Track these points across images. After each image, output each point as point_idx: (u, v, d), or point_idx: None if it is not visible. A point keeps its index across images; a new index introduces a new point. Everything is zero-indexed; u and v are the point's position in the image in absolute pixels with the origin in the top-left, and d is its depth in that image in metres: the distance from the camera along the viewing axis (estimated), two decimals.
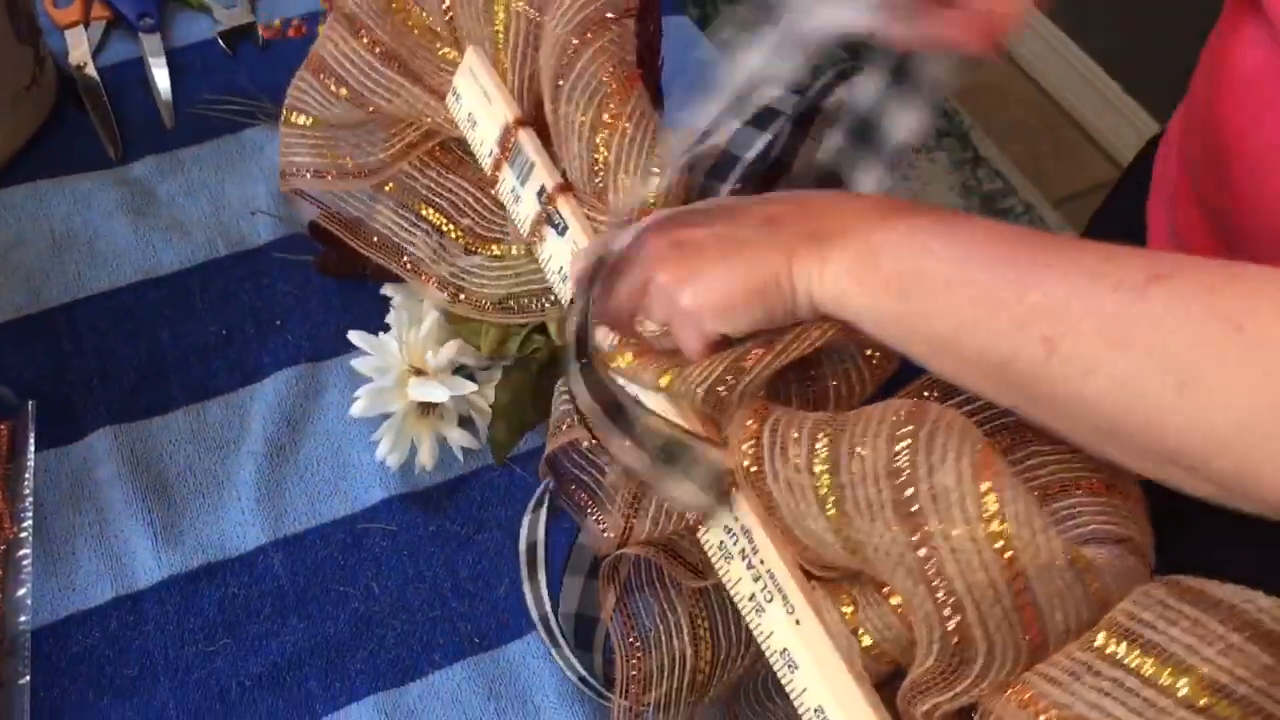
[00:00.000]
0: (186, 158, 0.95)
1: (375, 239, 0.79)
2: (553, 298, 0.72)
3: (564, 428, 0.64)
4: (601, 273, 0.58)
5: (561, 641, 0.72)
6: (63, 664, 0.71)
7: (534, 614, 0.74)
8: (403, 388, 0.75)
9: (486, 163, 0.72)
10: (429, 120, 0.76)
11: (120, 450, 0.79)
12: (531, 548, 0.75)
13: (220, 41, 1.02)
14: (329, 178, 0.78)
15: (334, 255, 0.85)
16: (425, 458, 0.77)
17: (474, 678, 0.72)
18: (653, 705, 0.65)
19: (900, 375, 0.61)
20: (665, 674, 0.65)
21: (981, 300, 0.47)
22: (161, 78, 0.99)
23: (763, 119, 0.75)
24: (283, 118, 0.79)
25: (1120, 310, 0.44)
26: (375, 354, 0.76)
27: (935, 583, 0.46)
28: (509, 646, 0.74)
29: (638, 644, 0.65)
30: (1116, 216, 0.88)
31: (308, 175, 0.79)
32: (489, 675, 0.73)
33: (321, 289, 0.88)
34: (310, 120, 0.79)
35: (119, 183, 0.92)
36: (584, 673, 0.71)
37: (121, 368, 0.83)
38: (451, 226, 0.75)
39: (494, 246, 0.75)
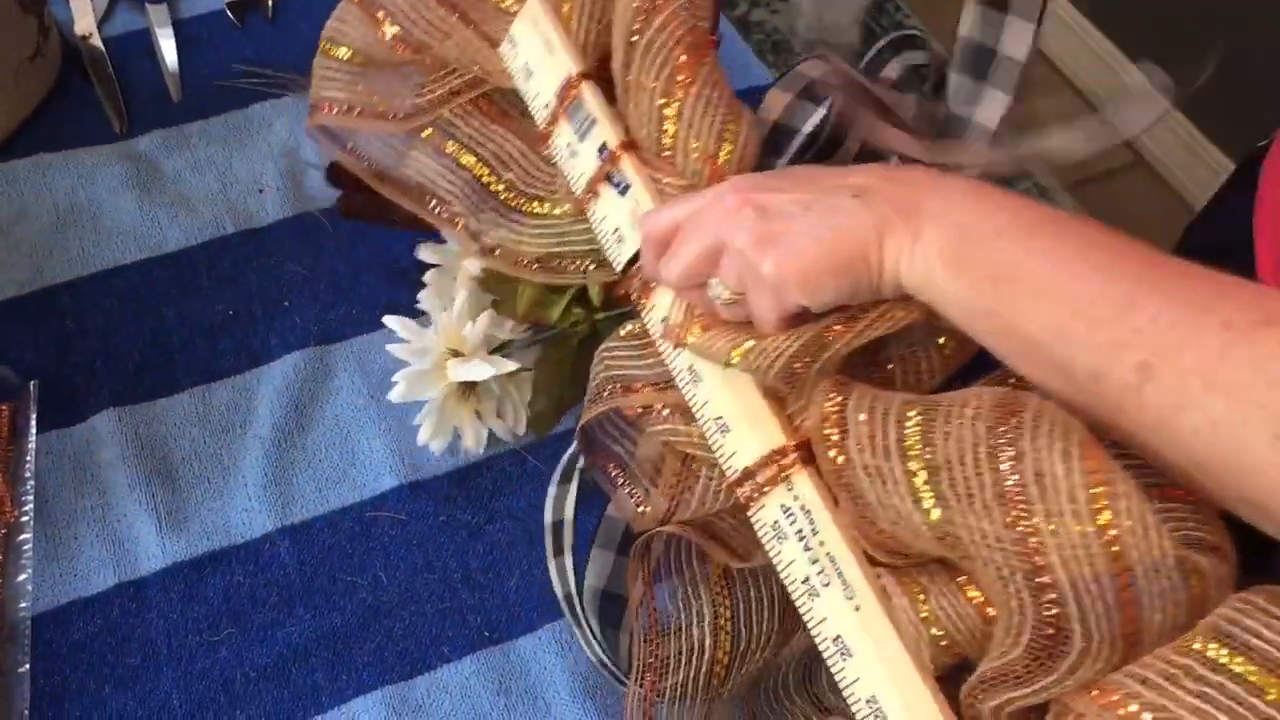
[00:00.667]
0: (193, 132, 0.93)
1: (405, 184, 0.76)
2: (594, 263, 0.70)
3: (603, 395, 0.62)
4: (675, 234, 0.56)
5: (585, 621, 0.70)
6: (64, 651, 0.69)
7: (558, 591, 0.72)
8: (441, 370, 0.73)
9: (541, 115, 0.69)
10: (476, 68, 0.73)
11: (124, 433, 0.77)
12: (558, 525, 0.74)
13: (229, 12, 1.00)
14: (363, 116, 0.75)
15: (358, 199, 0.82)
16: (470, 441, 0.76)
17: (484, 672, 0.71)
18: (668, 697, 0.63)
19: (968, 369, 0.59)
20: (683, 662, 0.63)
21: (1082, 312, 0.46)
22: (168, 49, 0.97)
23: (814, 91, 0.73)
24: (320, 49, 0.76)
25: (1224, 351, 0.42)
26: (412, 337, 0.74)
27: (1038, 573, 0.45)
28: (520, 640, 0.72)
29: (657, 628, 0.64)
30: (1215, 232, 0.85)
31: (340, 111, 0.75)
32: (499, 670, 0.71)
33: (331, 270, 0.86)
34: (349, 53, 0.75)
35: (124, 157, 0.90)
36: (604, 656, 0.69)
37: (126, 348, 0.81)
38: (493, 179, 0.72)
39: (536, 204, 0.72)
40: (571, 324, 0.73)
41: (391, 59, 0.75)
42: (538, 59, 0.69)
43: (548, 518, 0.74)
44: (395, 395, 0.73)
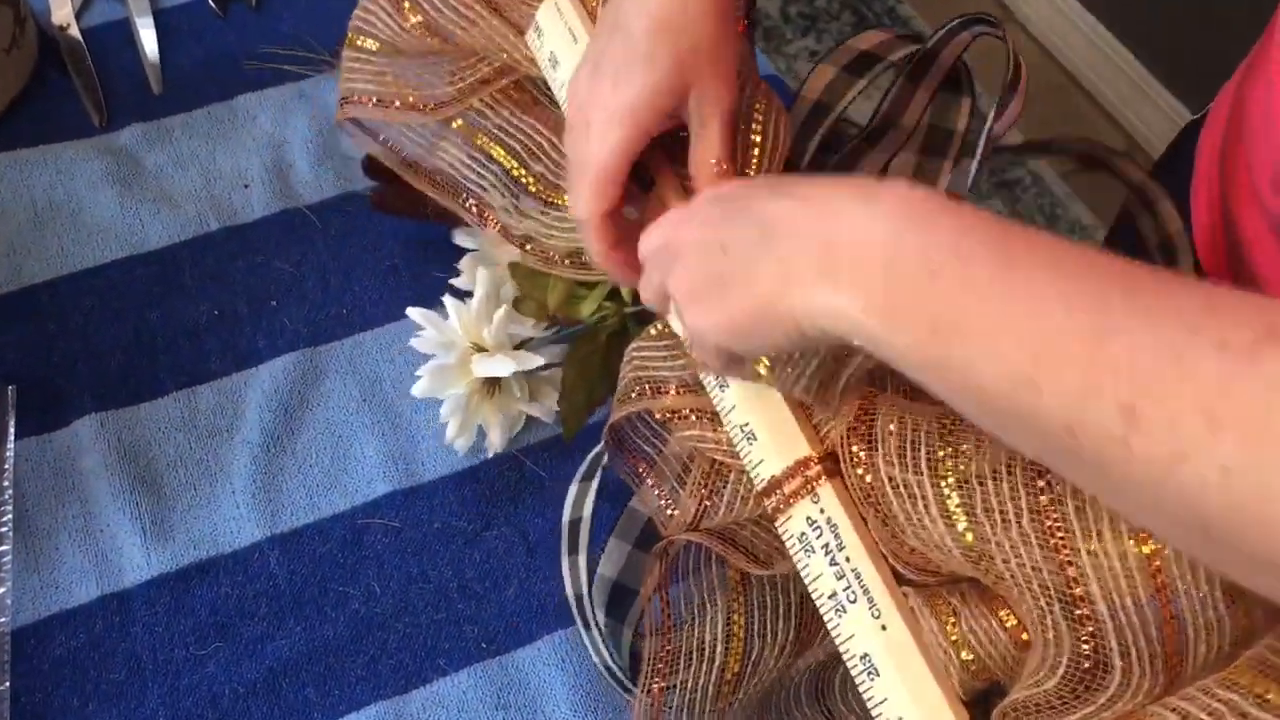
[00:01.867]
0: (175, 125, 0.90)
1: (438, 177, 0.74)
2: None
3: (632, 396, 0.60)
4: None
5: (593, 623, 0.68)
6: (45, 667, 0.67)
7: (569, 590, 0.70)
8: (466, 365, 0.71)
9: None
10: (505, 56, 0.71)
11: (106, 438, 0.75)
12: (575, 523, 0.71)
13: (210, 1, 0.97)
14: (393, 107, 0.73)
15: (390, 192, 0.80)
16: (496, 439, 0.73)
17: (481, 685, 0.68)
18: (675, 703, 0.61)
19: None
20: (693, 663, 0.61)
21: (1045, 354, 0.37)
22: (148, 39, 0.94)
23: (860, 65, 0.70)
24: (347, 41, 0.74)
25: (1225, 378, 0.34)
26: (436, 330, 0.72)
27: (1076, 604, 0.42)
28: (519, 652, 0.70)
29: (670, 629, 0.62)
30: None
31: (370, 104, 0.72)
32: (497, 683, 0.69)
33: (320, 268, 0.83)
34: (377, 45, 0.73)
35: (104, 152, 0.87)
36: (611, 660, 0.67)
37: (107, 350, 0.78)
38: (523, 171, 0.70)
39: (565, 197, 0.70)
40: (600, 319, 0.71)
41: (419, 48, 0.73)
42: (563, 48, 0.67)
43: (566, 515, 0.71)
44: (417, 390, 0.71)
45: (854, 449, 0.50)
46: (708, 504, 0.59)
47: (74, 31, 0.94)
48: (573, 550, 0.70)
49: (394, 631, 0.70)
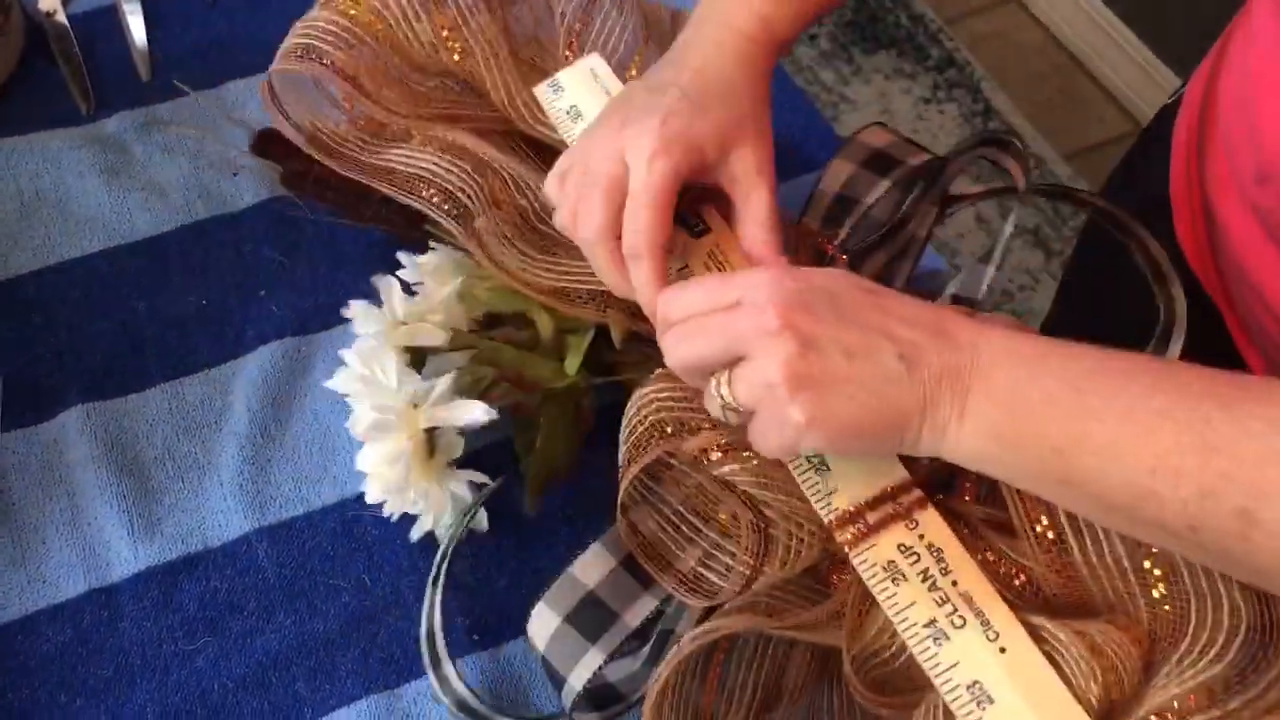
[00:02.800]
0: (163, 113, 0.89)
1: (389, 171, 0.70)
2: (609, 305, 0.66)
3: (650, 445, 0.58)
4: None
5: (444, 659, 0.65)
6: (32, 664, 0.66)
7: (423, 626, 0.66)
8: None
9: None
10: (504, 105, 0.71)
11: (93, 431, 0.74)
12: (431, 635, 0.66)
13: None
14: (362, 86, 0.69)
15: (297, 167, 0.76)
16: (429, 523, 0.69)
17: (473, 678, 0.67)
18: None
19: None
20: None
21: (1161, 469, 0.43)
22: (136, 26, 0.93)
23: (881, 164, 0.70)
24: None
25: None
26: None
27: None
28: (510, 645, 0.69)
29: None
30: (1136, 190, 0.83)
31: (322, 64, 0.69)
32: (490, 676, 0.68)
33: (309, 256, 0.82)
34: (371, 16, 0.70)
35: (91, 140, 0.86)
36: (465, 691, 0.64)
37: (94, 341, 0.77)
38: (506, 199, 0.69)
39: (546, 241, 0.68)
40: (571, 383, 0.69)
41: (426, 62, 0.71)
42: (589, 104, 0.68)
43: (424, 627, 0.66)
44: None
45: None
46: (764, 564, 0.57)
47: (61, 18, 0.93)
48: (435, 664, 0.65)
49: (385, 624, 0.69)
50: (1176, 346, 0.63)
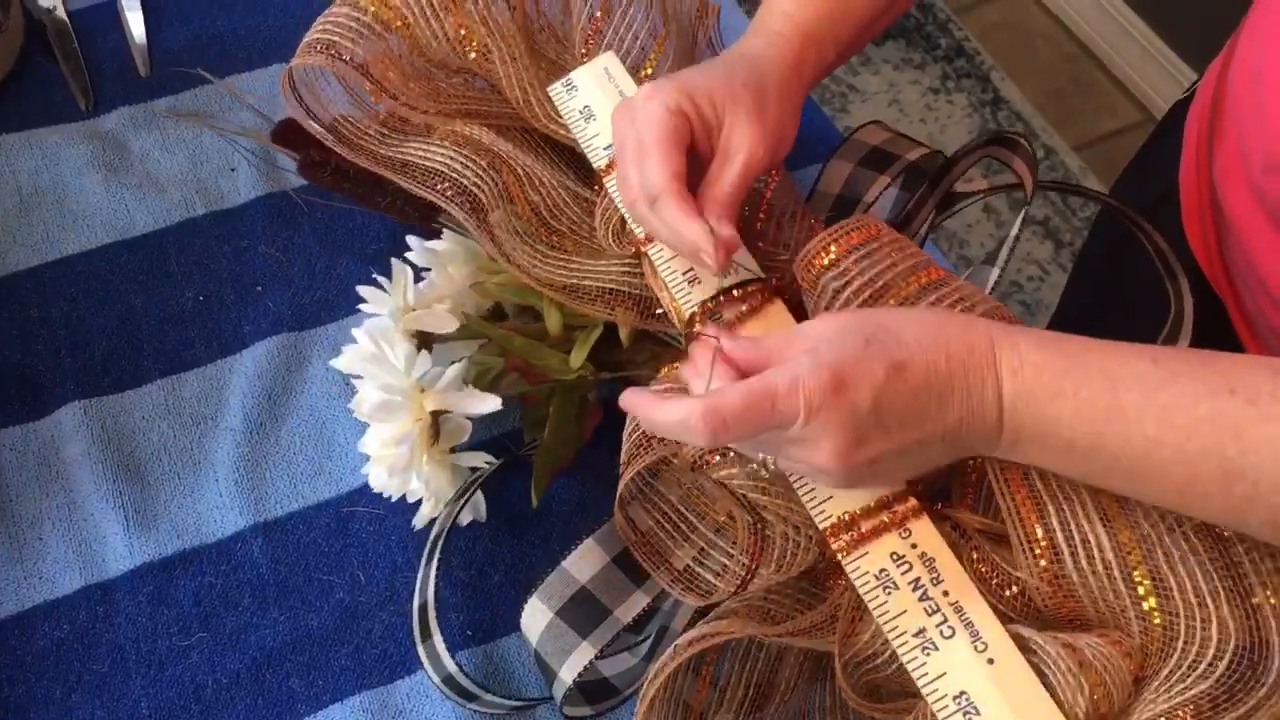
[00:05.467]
0: (162, 109, 0.89)
1: (405, 164, 0.71)
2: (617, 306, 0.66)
3: (650, 446, 0.58)
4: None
5: (434, 633, 0.65)
6: (28, 659, 0.67)
7: (415, 601, 0.66)
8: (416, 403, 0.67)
9: (601, 159, 0.67)
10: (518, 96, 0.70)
11: (90, 427, 0.74)
12: (424, 608, 0.66)
13: None
14: (382, 81, 0.69)
15: (314, 157, 0.76)
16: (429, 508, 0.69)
17: (467, 673, 0.68)
18: None
19: None
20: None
21: (1203, 477, 0.46)
22: (135, 21, 0.93)
23: (879, 161, 0.71)
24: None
25: None
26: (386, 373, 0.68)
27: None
28: (503, 641, 0.69)
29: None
30: (1148, 182, 0.83)
31: (343, 60, 0.69)
32: (483, 671, 0.68)
33: (305, 252, 0.82)
34: (391, 13, 0.70)
35: (90, 136, 0.86)
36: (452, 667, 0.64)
37: (91, 337, 0.78)
38: (519, 195, 0.69)
39: (558, 239, 0.68)
40: (579, 376, 0.69)
41: (446, 59, 0.71)
42: (602, 104, 0.68)
43: (416, 600, 0.67)
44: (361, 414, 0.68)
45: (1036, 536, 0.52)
46: (759, 563, 0.57)
47: (60, 14, 0.93)
48: (425, 636, 0.66)
49: (379, 620, 0.69)
50: (1185, 340, 0.63)
